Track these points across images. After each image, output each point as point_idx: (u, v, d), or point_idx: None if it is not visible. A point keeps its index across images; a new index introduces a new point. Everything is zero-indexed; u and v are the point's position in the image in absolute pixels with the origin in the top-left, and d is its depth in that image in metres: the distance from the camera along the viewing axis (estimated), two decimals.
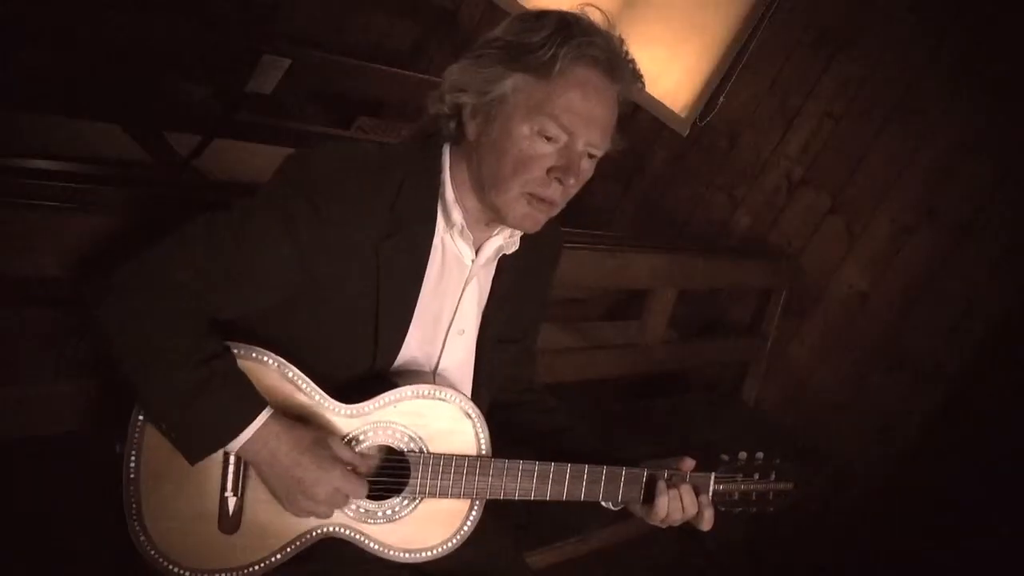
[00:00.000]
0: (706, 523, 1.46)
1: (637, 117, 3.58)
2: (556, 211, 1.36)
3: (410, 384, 1.33)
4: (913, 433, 2.99)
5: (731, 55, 3.45)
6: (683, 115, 3.60)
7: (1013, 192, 2.87)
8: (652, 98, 3.59)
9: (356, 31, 4.31)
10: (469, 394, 1.44)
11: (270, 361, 1.28)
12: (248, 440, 1.22)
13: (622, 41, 1.34)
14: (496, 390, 1.54)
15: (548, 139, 1.29)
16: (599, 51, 1.29)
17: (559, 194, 1.32)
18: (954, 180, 2.98)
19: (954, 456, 2.88)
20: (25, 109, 2.58)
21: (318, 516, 1.29)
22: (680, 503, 1.44)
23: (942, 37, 3.02)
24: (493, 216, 1.36)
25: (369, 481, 1.34)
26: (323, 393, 1.30)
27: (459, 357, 1.44)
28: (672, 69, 3.60)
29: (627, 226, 3.69)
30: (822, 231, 3.26)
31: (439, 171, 1.36)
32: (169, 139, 2.80)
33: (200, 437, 1.21)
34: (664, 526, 1.47)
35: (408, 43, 4.48)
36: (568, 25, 1.29)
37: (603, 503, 1.49)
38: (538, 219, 1.34)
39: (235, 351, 1.26)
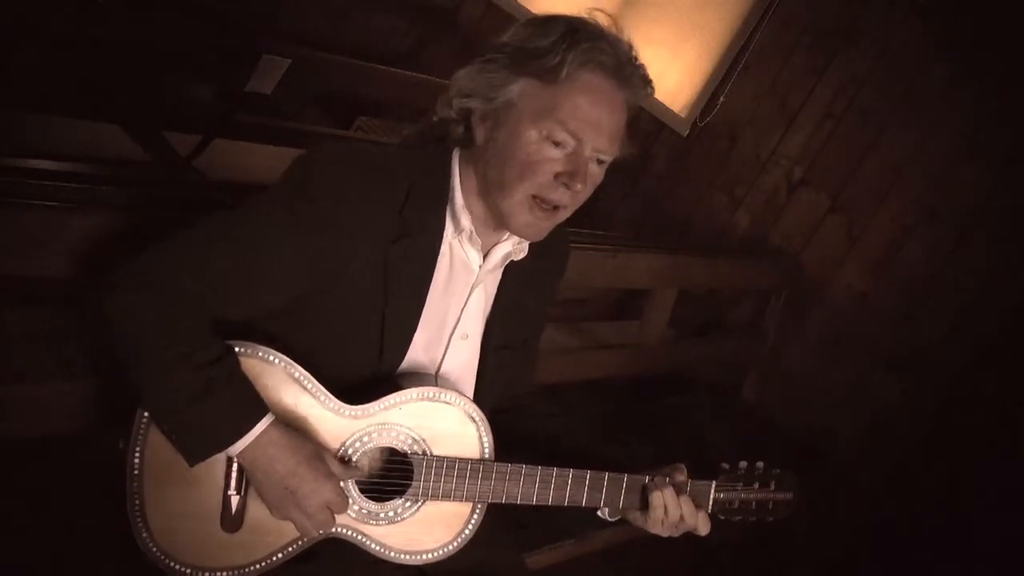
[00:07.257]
0: (703, 530, 1.46)
1: (638, 117, 3.57)
2: (562, 217, 1.36)
3: (414, 386, 1.33)
4: (913, 433, 2.99)
5: (731, 55, 3.46)
6: (683, 115, 3.60)
7: (1013, 192, 2.88)
8: (653, 98, 3.59)
9: (356, 31, 4.31)
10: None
11: (275, 360, 1.27)
12: (247, 446, 1.21)
13: (631, 46, 1.33)
14: (497, 395, 1.53)
15: (556, 144, 1.29)
16: (607, 56, 1.29)
17: (567, 198, 1.32)
18: (954, 180, 2.98)
19: (954, 456, 2.88)
20: (25, 109, 2.57)
21: (302, 529, 1.27)
22: (680, 511, 1.43)
23: (942, 37, 3.02)
24: (499, 222, 1.36)
25: (372, 483, 1.34)
26: (328, 393, 1.29)
27: (462, 361, 1.44)
28: (672, 69, 3.60)
29: (628, 226, 3.69)
30: (822, 231, 3.26)
31: (448, 176, 1.36)
32: (169, 139, 2.80)
33: (199, 440, 1.21)
34: (665, 535, 1.46)
35: (408, 43, 4.48)
36: (575, 30, 1.29)
37: (599, 514, 1.49)
38: (542, 228, 1.34)
39: (240, 349, 1.25)
